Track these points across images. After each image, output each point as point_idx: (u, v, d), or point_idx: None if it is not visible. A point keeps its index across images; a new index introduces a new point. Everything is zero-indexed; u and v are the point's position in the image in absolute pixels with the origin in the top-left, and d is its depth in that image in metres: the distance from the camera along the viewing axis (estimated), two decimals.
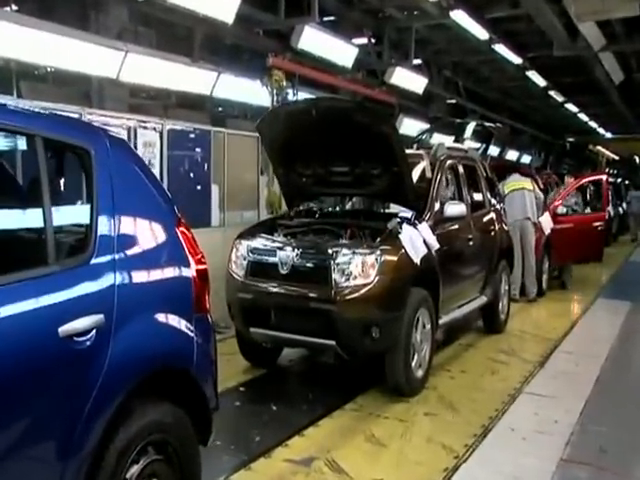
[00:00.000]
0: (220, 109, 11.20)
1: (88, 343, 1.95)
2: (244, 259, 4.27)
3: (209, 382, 2.50)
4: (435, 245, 4.30)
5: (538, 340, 5.70)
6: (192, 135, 5.78)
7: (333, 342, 3.92)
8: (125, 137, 4.96)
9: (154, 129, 5.29)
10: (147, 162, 5.12)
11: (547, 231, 7.64)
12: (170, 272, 2.39)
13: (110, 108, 6.30)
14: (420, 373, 4.23)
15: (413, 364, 4.13)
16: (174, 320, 2.34)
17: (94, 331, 1.97)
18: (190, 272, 2.46)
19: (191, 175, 5.79)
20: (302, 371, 4.95)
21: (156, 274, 2.32)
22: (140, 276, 2.23)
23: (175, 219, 2.47)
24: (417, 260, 4.07)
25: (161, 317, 2.28)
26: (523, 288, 7.35)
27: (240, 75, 8.31)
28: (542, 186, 8.11)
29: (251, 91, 8.13)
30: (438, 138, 8.26)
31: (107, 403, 1.98)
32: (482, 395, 4.21)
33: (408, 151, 4.87)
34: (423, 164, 4.88)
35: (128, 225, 2.24)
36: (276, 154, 4.68)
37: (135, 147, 5.04)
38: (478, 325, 6.00)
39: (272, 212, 6.36)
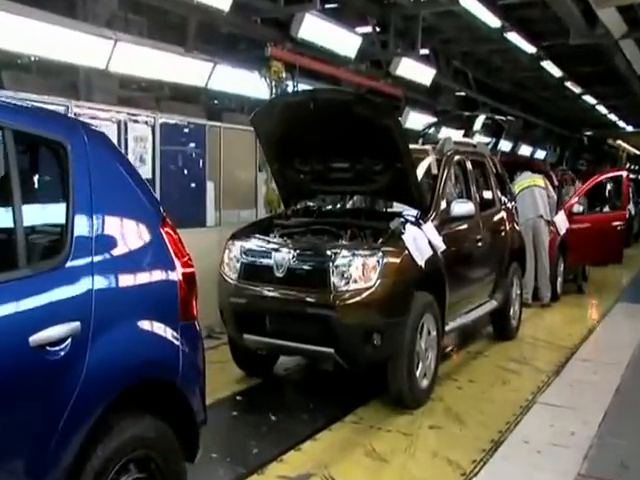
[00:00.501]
0: (216, 102, 11.18)
1: (62, 353, 1.91)
2: (237, 261, 4.25)
3: (196, 394, 2.46)
4: (441, 246, 4.27)
5: (552, 348, 5.67)
6: (186, 129, 5.76)
7: (332, 350, 3.89)
8: (115, 131, 4.96)
9: (146, 123, 5.27)
10: (139, 158, 5.16)
11: (562, 231, 7.60)
12: (154, 276, 2.36)
13: (99, 100, 6.26)
14: (425, 383, 4.20)
15: (417, 373, 4.10)
16: (158, 328, 2.30)
17: (69, 340, 1.93)
18: (176, 276, 2.42)
19: (185, 172, 5.78)
20: (299, 380, 4.92)
21: (138, 278, 2.29)
22: (120, 280, 2.20)
23: (160, 219, 2.44)
24: (422, 262, 4.04)
25: (144, 325, 2.25)
26: (536, 292, 7.32)
27: (237, 66, 8.27)
28: (557, 183, 8.04)
29: (248, 83, 8.09)
30: (446, 133, 8.21)
31: (83, 418, 1.95)
32: (492, 407, 4.18)
33: (412, 146, 4.83)
34: (429, 160, 4.84)
35: (108, 225, 2.20)
36: (272, 149, 4.65)
37: (126, 142, 5.02)
38: (488, 331, 5.97)
39: (271, 211, 6.34)
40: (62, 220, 2.06)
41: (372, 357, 3.96)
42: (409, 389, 4.03)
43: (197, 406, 2.45)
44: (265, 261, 4.14)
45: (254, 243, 4.29)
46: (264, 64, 7.35)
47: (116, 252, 2.21)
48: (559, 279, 7.75)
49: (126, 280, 2.23)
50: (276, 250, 4.13)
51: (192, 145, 5.82)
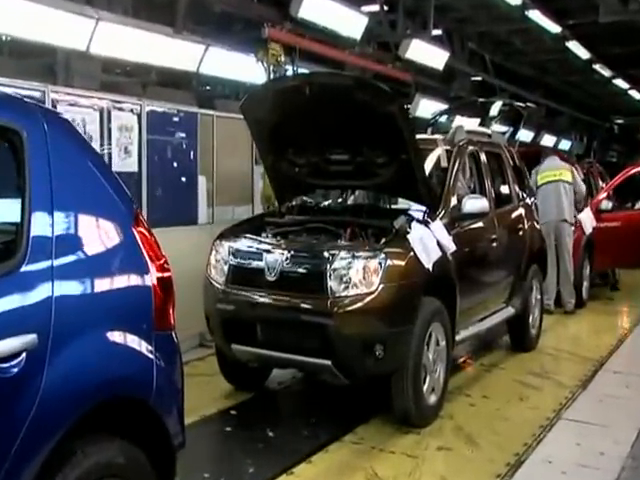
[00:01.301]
0: (208, 88, 11.20)
1: (15, 370, 1.85)
2: (225, 263, 4.23)
3: (173, 414, 2.40)
4: (451, 247, 4.23)
5: (577, 360, 5.62)
6: (175, 118, 5.75)
7: (329, 362, 3.85)
8: (97, 120, 4.94)
9: (131, 111, 5.25)
10: (123, 149, 5.15)
11: (588, 230, 7.52)
12: (124, 281, 2.31)
13: (79, 86, 6.26)
14: (433, 399, 4.17)
15: (424, 388, 4.06)
16: (129, 339, 2.25)
17: (23, 355, 1.87)
18: (150, 281, 2.37)
19: (174, 165, 5.76)
20: (294, 395, 4.89)
21: (106, 284, 2.24)
22: (85, 286, 2.15)
23: (132, 217, 2.39)
24: (429, 265, 4.01)
25: (112, 336, 2.20)
26: (559, 297, 7.25)
27: (231, 49, 8.27)
28: (582, 177, 7.96)
29: (244, 67, 8.08)
30: (460, 122, 8.14)
31: (40, 443, 1.89)
32: (508, 426, 4.14)
33: (420, 136, 4.78)
34: (438, 151, 4.80)
35: (71, 224, 2.15)
36: (264, 140, 4.64)
37: (109, 132, 5.01)
38: (504, 341, 5.93)
39: (268, 207, 6.32)
40: (17, 218, 2.00)
41: (374, 370, 3.92)
42: (415, 406, 3.99)
43: (174, 427, 2.39)
44: (255, 263, 4.11)
45: (244, 243, 4.27)
46: (261, 46, 7.31)
47: (80, 255, 2.15)
48: (585, 283, 7.67)
49: (92, 286, 2.17)
50: (268, 251, 4.10)
51: (182, 135, 5.80)
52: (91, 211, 2.25)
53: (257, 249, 4.16)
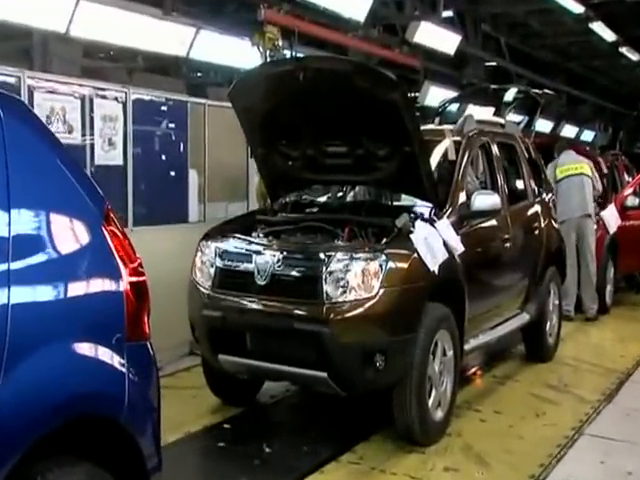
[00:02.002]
0: (199, 75, 11.19)
1: None
2: (211, 265, 4.22)
3: (147, 434, 2.36)
4: (459, 248, 4.21)
5: (600, 372, 5.59)
6: (164, 107, 5.75)
7: (324, 374, 3.82)
8: (78, 109, 4.91)
9: (115, 99, 5.23)
10: (107, 141, 5.12)
11: (612, 229, 7.49)
12: (92, 286, 2.28)
13: (58, 71, 6.20)
14: (439, 414, 4.14)
15: (430, 403, 4.04)
16: (97, 351, 2.22)
17: None
18: (122, 286, 2.33)
19: (163, 158, 5.76)
20: (287, 410, 4.86)
21: (72, 289, 2.20)
22: (47, 292, 2.11)
23: (102, 215, 2.35)
24: (434, 267, 3.97)
25: (78, 348, 2.16)
26: (579, 303, 7.21)
27: (224, 32, 8.26)
28: (605, 170, 7.89)
29: (238, 52, 8.07)
30: (473, 111, 8.12)
31: None
32: (522, 445, 4.11)
33: (427, 126, 4.74)
34: (445, 143, 4.78)
35: (30, 223, 2.11)
36: (254, 130, 4.61)
37: (91, 121, 4.99)
38: (519, 351, 5.89)
39: (265, 204, 6.28)
40: None
41: (374, 383, 3.90)
42: (419, 422, 3.96)
43: (148, 449, 2.35)
44: (244, 266, 4.09)
45: (232, 244, 4.25)
46: (257, 29, 7.34)
47: (42, 257, 2.11)
48: (608, 287, 7.64)
49: (55, 292, 2.13)
50: (258, 252, 4.08)
51: (171, 126, 5.80)
52: (54, 208, 2.21)
53: (246, 250, 4.14)
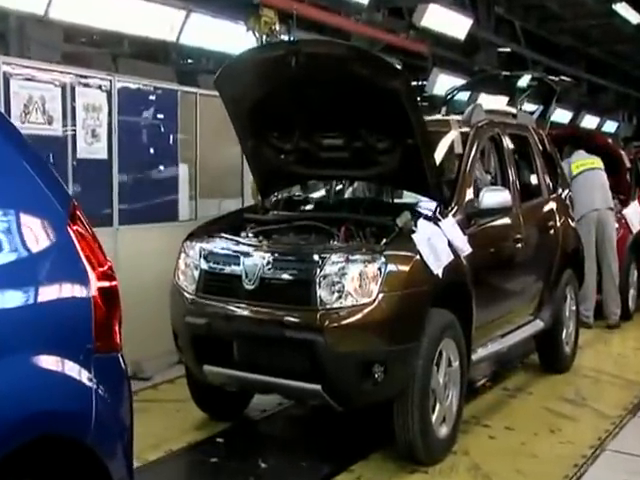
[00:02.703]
0: (190, 61, 11.17)
1: None
2: (195, 268, 4.20)
3: (117, 456, 2.32)
4: (465, 249, 4.17)
5: (621, 384, 5.56)
6: (152, 96, 5.72)
7: (318, 387, 3.78)
8: (58, 97, 4.89)
9: (99, 87, 5.21)
10: (90, 132, 5.11)
11: (636, 228, 7.45)
12: (54, 292, 2.22)
13: (37, 57, 6.21)
14: (444, 431, 4.10)
15: (433, 418, 4.00)
16: (59, 364, 2.16)
17: None
18: (89, 292, 2.28)
19: (151, 151, 5.74)
20: (279, 425, 4.81)
21: (31, 296, 2.15)
22: (2, 300, 2.05)
23: (67, 213, 2.31)
24: (438, 270, 3.94)
25: (37, 361, 2.10)
26: (600, 308, 7.18)
27: (217, 15, 8.28)
28: (628, 164, 7.86)
29: (232, 37, 8.07)
30: (485, 100, 8.10)
31: None
32: (534, 464, 4.06)
33: (431, 117, 4.70)
34: (452, 135, 4.73)
35: None
36: (243, 121, 4.57)
37: (73, 111, 4.97)
38: (532, 361, 5.85)
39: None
40: None
41: (372, 396, 3.88)
42: (422, 439, 3.92)
43: (118, 472, 2.30)
44: (231, 268, 4.06)
45: (218, 244, 4.22)
46: (252, 13, 7.33)
47: None
48: (631, 291, 7.63)
49: (11, 299, 2.08)
50: (246, 254, 4.05)
51: (160, 117, 5.78)
52: (10, 205, 2.16)
53: (233, 251, 4.11)
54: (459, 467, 3.98)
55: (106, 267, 2.40)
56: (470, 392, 4.54)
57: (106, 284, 2.35)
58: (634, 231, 7.48)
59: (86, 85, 5.10)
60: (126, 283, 5.03)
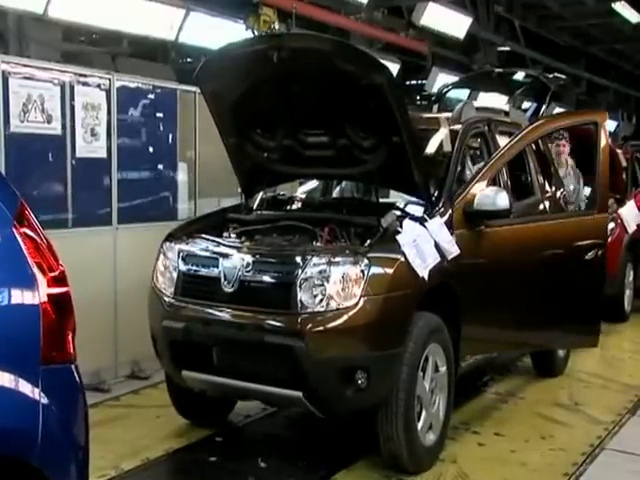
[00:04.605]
0: (189, 60, 11.09)
1: None
2: (174, 270, 4.07)
3: (70, 477, 2.15)
4: (453, 250, 4.02)
5: (615, 388, 5.45)
6: (151, 95, 5.67)
7: (299, 393, 3.67)
8: (57, 96, 4.85)
9: (98, 86, 5.16)
10: (89, 131, 5.07)
11: (632, 228, 7.28)
12: None
13: (36, 56, 6.23)
14: (431, 438, 3.98)
15: (419, 426, 3.88)
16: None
17: None
18: (37, 298, 2.11)
19: (150, 150, 5.70)
20: (262, 432, 4.64)
21: None
22: None
23: (13, 214, 2.15)
24: (424, 273, 3.80)
25: None
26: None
27: (216, 14, 8.23)
28: (624, 163, 7.70)
29: (231, 36, 7.92)
30: (484, 99, 7.97)
31: None
32: (524, 473, 3.95)
33: (420, 114, 4.54)
34: (442, 133, 4.58)
35: None
36: (225, 118, 4.42)
37: (72, 110, 4.93)
38: (524, 364, 5.73)
39: None
40: None
41: (355, 403, 3.78)
42: (407, 448, 3.79)
43: None
44: (210, 271, 3.94)
45: (197, 246, 4.10)
46: (251, 11, 7.23)
47: None
48: (627, 292, 7.50)
49: None
50: (225, 255, 3.91)
51: (159, 115, 5.73)
52: None
53: (212, 253, 3.98)
54: (446, 476, 3.86)
55: (58, 272, 2.24)
56: (459, 396, 4.37)
57: (57, 290, 2.18)
58: (630, 231, 7.37)
59: (85, 84, 5.07)
60: (125, 282, 5.03)
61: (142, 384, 5.05)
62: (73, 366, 2.24)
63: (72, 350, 2.24)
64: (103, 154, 5.15)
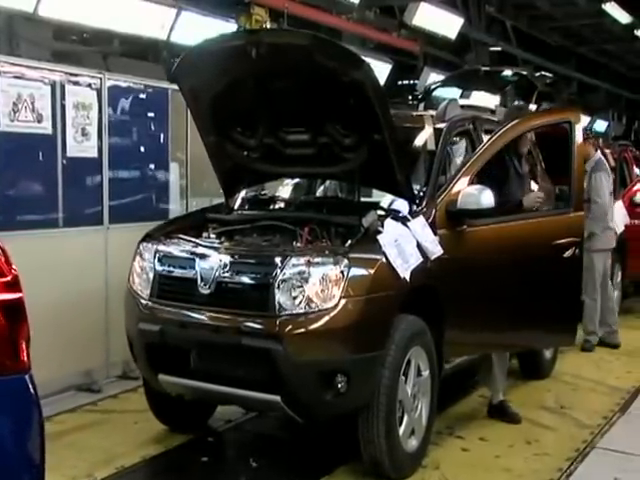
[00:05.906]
0: None
1: None
2: (150, 271, 3.96)
3: None
4: (436, 250, 3.90)
5: (602, 391, 5.37)
6: (143, 94, 5.62)
7: (277, 398, 3.57)
8: (48, 96, 4.80)
9: (89, 86, 5.12)
10: (80, 131, 5.04)
11: (620, 228, 7.16)
12: None
13: (26, 55, 6.16)
14: (413, 444, 3.88)
15: (401, 431, 3.78)
16: None
17: None
18: None
19: (141, 149, 5.64)
20: (243, 437, 4.55)
21: None
22: None
23: None
24: (406, 274, 3.69)
25: None
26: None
27: (208, 13, 8.13)
28: (613, 162, 7.60)
29: None
30: (477, 98, 7.91)
31: None
32: (510, 479, 3.85)
33: (403, 112, 4.43)
34: (425, 131, 4.48)
35: None
36: (203, 115, 4.31)
37: (63, 110, 4.89)
38: (511, 365, 5.48)
39: None
40: None
41: (335, 408, 3.68)
42: (389, 454, 3.69)
43: None
44: (187, 272, 3.83)
45: (174, 246, 3.99)
46: (243, 11, 7.15)
47: None
48: (616, 292, 7.27)
49: None
50: (202, 256, 3.80)
51: (150, 115, 5.69)
52: None
53: (190, 253, 3.87)
54: None
55: (10, 277, 2.10)
56: (443, 400, 4.25)
57: (8, 296, 2.05)
58: (618, 231, 7.19)
59: (76, 83, 5.03)
60: (116, 282, 4.91)
61: (133, 384, 4.93)
62: (27, 376, 2.10)
63: (26, 359, 2.11)
64: (94, 154, 5.13)
